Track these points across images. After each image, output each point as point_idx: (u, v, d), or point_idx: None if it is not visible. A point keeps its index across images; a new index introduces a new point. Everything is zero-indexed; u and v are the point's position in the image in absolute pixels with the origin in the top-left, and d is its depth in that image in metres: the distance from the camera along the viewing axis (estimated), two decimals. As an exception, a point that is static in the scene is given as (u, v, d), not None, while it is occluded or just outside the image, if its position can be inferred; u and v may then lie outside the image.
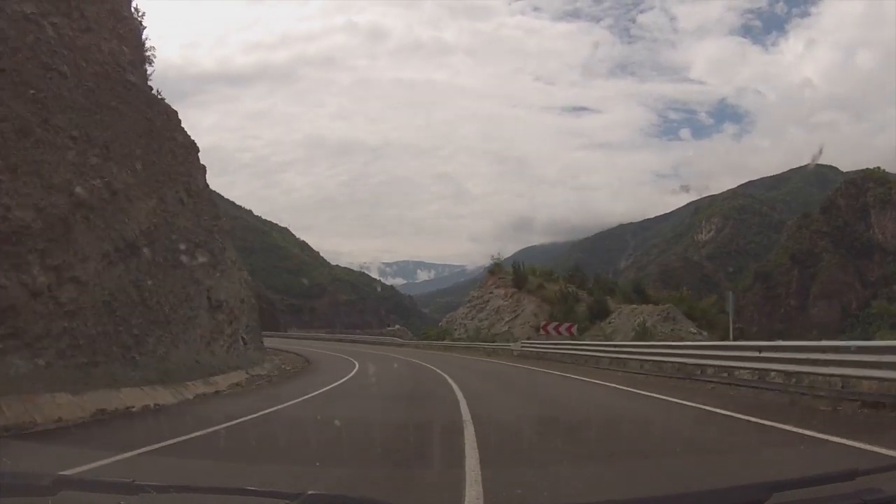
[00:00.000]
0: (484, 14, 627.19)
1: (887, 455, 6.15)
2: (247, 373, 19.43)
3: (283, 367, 25.53)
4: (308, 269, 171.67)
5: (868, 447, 6.54)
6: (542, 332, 36.98)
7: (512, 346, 38.87)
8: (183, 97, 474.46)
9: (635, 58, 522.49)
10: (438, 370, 23.12)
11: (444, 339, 55.98)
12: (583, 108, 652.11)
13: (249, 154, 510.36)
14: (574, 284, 60.98)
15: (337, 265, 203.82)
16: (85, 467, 5.76)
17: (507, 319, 57.02)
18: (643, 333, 36.03)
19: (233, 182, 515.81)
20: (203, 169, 21.71)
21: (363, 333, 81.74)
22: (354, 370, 24.36)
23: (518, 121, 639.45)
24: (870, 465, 2.78)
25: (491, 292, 65.02)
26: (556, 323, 37.45)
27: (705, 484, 4.95)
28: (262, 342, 25.93)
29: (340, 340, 67.89)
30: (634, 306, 46.70)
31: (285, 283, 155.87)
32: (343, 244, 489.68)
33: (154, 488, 2.52)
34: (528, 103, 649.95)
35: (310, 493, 2.35)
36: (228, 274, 21.40)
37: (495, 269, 69.67)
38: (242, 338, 21.38)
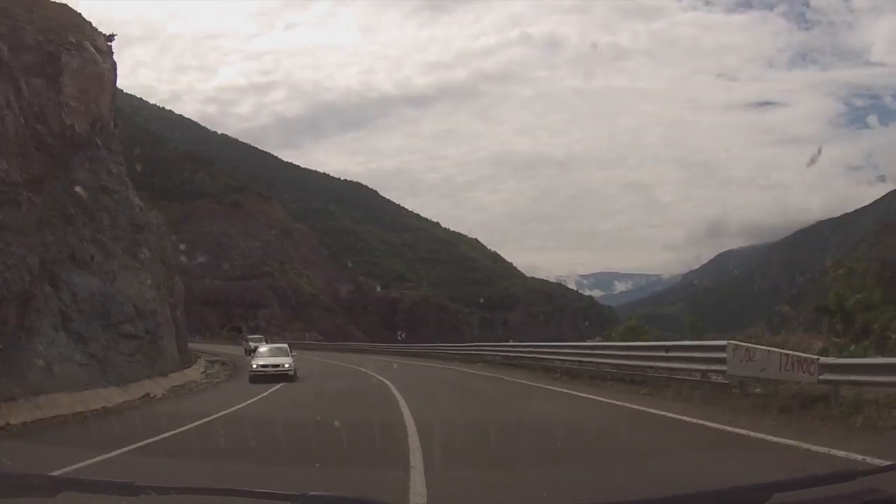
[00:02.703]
0: (656, 13, 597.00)
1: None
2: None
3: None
4: (499, 280, 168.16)
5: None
6: None
7: None
8: (366, 122, 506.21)
9: (814, 44, 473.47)
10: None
11: None
12: (767, 103, 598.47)
13: (437, 174, 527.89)
14: None
15: (531, 277, 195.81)
16: None
17: None
18: None
19: (423, 203, 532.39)
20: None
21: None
22: None
23: (702, 122, 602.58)
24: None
25: None
26: None
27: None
28: None
29: (467, 353, 39.19)
30: None
31: (474, 295, 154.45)
32: (537, 258, 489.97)
33: (154, 490, 2.56)
34: (710, 103, 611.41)
35: (310, 493, 2.38)
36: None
37: None
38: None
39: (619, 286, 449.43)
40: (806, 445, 8.70)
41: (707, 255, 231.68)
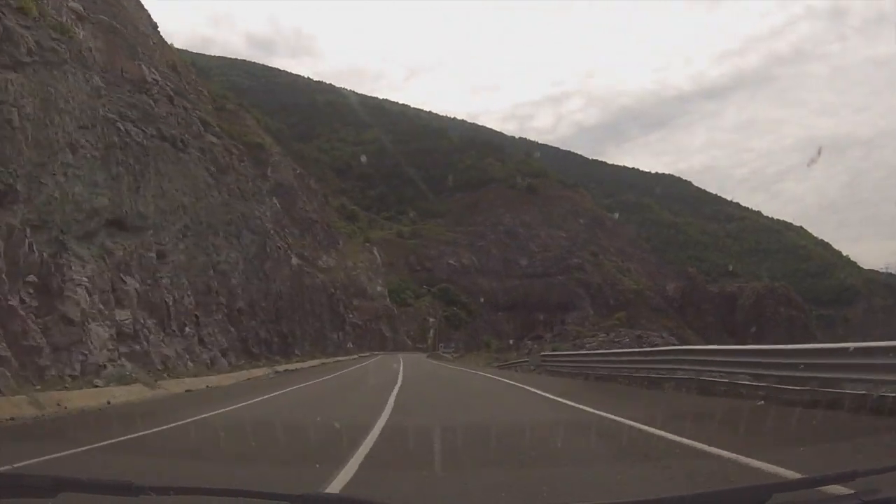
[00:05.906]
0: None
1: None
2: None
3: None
4: (833, 271, 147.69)
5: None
6: None
7: None
8: (667, 120, 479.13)
9: None
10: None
11: None
12: None
13: (744, 168, 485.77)
14: None
15: (864, 268, 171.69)
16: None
17: None
18: None
19: (734, 199, 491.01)
20: None
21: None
22: None
23: None
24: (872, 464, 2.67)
25: None
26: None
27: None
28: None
29: None
30: None
31: (810, 289, 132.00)
32: (853, 249, 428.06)
33: (154, 490, 2.58)
34: None
35: (310, 493, 2.44)
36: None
37: None
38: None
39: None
40: None
41: None
